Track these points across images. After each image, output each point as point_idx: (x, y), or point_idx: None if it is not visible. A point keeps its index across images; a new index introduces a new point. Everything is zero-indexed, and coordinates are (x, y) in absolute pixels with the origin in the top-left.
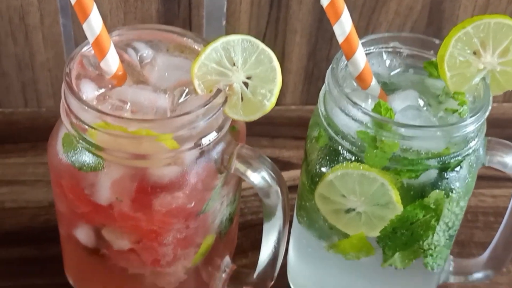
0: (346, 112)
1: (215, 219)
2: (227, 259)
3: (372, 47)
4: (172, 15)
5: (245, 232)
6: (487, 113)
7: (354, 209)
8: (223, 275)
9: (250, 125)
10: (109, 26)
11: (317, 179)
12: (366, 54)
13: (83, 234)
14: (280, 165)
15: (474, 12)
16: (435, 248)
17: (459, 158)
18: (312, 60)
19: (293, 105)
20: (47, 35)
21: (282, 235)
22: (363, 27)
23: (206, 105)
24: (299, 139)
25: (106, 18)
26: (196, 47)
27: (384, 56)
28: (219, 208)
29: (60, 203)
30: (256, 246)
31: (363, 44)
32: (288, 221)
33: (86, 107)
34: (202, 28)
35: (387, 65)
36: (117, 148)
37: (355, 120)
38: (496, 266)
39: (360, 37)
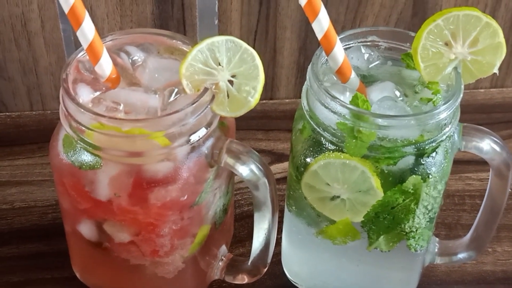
0: (326, 105)
1: (209, 210)
2: (223, 248)
3: (351, 42)
4: (166, 16)
5: (242, 223)
6: (459, 100)
7: (338, 197)
8: (220, 263)
9: (246, 119)
10: (107, 29)
11: (303, 169)
12: (346, 49)
13: (86, 229)
14: (275, 157)
15: (456, 3)
16: (416, 230)
17: (434, 144)
18: (303, 54)
19: (287, 99)
20: (48, 40)
21: (272, 224)
22: (350, 20)
23: (194, 103)
24: None
25: (104, 22)
26: (184, 48)
27: (363, 50)
28: (212, 200)
29: (63, 201)
30: (252, 236)
31: (342, 39)
32: (277, 210)
33: (82, 110)
34: (196, 28)
35: (365, 58)
36: (113, 147)
37: (334, 112)
38: (478, 247)
39: (347, 29)
